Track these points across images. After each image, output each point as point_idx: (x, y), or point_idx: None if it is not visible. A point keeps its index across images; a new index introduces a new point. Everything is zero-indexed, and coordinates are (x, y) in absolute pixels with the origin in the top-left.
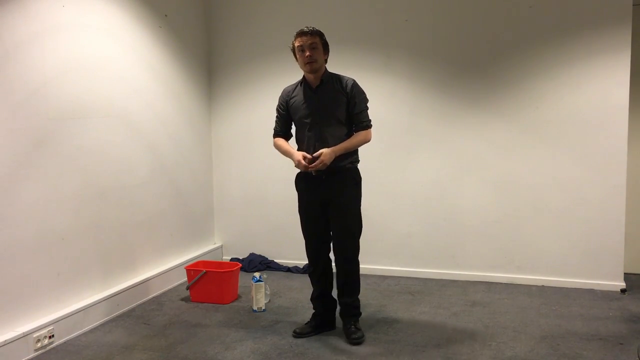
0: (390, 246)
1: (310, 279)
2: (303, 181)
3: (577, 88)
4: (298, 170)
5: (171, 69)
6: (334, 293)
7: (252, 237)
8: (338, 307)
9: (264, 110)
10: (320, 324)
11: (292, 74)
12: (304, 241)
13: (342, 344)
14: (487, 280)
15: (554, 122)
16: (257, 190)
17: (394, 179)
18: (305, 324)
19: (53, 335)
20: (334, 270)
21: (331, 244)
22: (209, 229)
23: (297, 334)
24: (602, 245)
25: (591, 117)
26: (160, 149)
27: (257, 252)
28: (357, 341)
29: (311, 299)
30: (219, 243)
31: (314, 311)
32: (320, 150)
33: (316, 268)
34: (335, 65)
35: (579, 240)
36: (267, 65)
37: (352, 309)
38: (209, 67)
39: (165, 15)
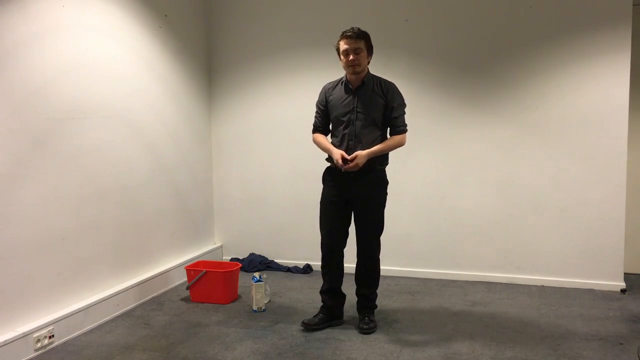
0: (390, 246)
1: (322, 273)
2: (332, 176)
3: (577, 88)
4: (322, 166)
5: (171, 69)
6: (352, 287)
7: (252, 237)
8: (355, 301)
9: (264, 110)
10: (328, 317)
11: (293, 74)
12: (304, 241)
13: (342, 344)
14: (487, 280)
15: (554, 122)
16: (257, 190)
17: (394, 178)
18: (314, 316)
19: (53, 335)
20: (345, 265)
21: (346, 240)
22: (209, 229)
23: (306, 325)
24: (602, 245)
25: (591, 117)
26: (160, 149)
27: (257, 252)
28: (366, 331)
29: (320, 292)
30: (219, 243)
31: (322, 304)
32: (356, 153)
33: (330, 261)
34: (335, 65)
35: (579, 240)
36: (267, 66)
37: (368, 301)
38: (209, 67)
39: (165, 15)
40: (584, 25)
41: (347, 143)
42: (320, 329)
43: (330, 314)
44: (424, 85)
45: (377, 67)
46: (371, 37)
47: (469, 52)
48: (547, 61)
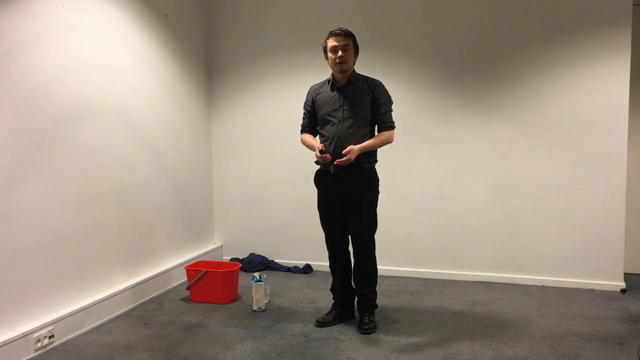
0: (390, 246)
1: (331, 271)
2: (322, 178)
3: (578, 88)
4: (316, 167)
5: (171, 69)
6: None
7: (252, 237)
8: (355, 301)
9: (263, 110)
10: (341, 313)
11: (293, 74)
12: (304, 241)
13: (342, 344)
14: (487, 280)
15: (554, 122)
16: (257, 190)
17: (394, 179)
18: (327, 313)
19: (53, 335)
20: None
21: (350, 238)
22: (209, 229)
23: (320, 323)
24: (602, 245)
25: (591, 117)
26: (160, 149)
27: (257, 252)
28: (366, 331)
29: (331, 290)
30: (219, 243)
31: (333, 301)
32: (350, 147)
33: (336, 260)
34: None
35: (579, 240)
36: (267, 66)
37: (368, 301)
38: (209, 67)
39: (165, 15)
40: (584, 25)
41: (335, 141)
42: (333, 325)
43: (342, 310)
44: (424, 85)
45: (377, 67)
46: (371, 37)
47: (468, 52)
48: (547, 61)
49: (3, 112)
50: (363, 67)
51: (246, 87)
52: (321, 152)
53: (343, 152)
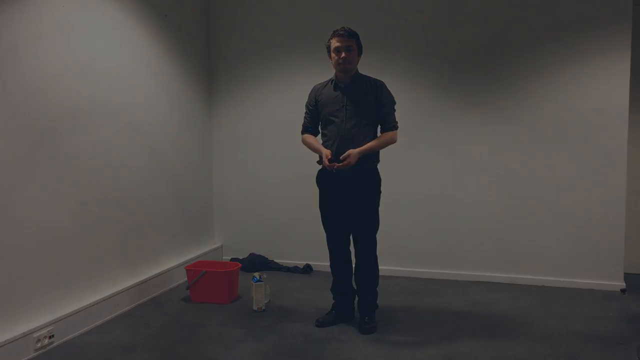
0: (390, 246)
1: (332, 271)
2: (324, 178)
3: (578, 88)
4: (317, 167)
5: (171, 69)
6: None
7: (252, 237)
8: (356, 300)
9: (263, 111)
10: (340, 313)
11: (293, 74)
12: (304, 241)
13: (342, 344)
14: (487, 280)
15: (554, 122)
16: (257, 190)
17: (394, 179)
18: (327, 314)
19: (53, 335)
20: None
21: (351, 237)
22: (209, 229)
23: (320, 323)
24: (602, 245)
25: (591, 117)
26: (160, 149)
27: (257, 252)
28: (367, 331)
29: (331, 290)
30: (219, 243)
31: (333, 301)
32: (349, 151)
33: (336, 260)
34: None
35: (579, 240)
36: (267, 66)
37: (368, 301)
38: (209, 67)
39: (166, 15)
40: (584, 25)
41: (338, 141)
42: (333, 325)
43: (342, 310)
44: (424, 85)
45: (377, 67)
46: (371, 37)
47: (469, 52)
48: (547, 61)
49: (3, 112)
50: (363, 67)
51: (246, 87)
52: (330, 161)
53: (341, 157)
